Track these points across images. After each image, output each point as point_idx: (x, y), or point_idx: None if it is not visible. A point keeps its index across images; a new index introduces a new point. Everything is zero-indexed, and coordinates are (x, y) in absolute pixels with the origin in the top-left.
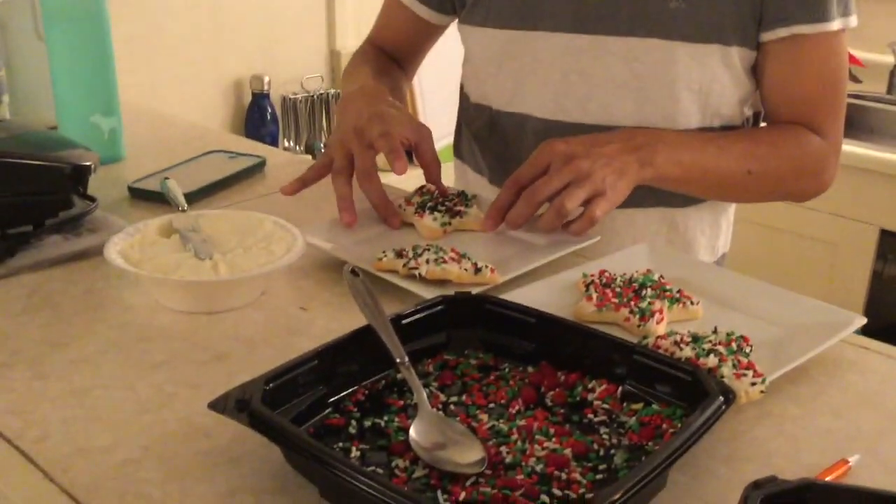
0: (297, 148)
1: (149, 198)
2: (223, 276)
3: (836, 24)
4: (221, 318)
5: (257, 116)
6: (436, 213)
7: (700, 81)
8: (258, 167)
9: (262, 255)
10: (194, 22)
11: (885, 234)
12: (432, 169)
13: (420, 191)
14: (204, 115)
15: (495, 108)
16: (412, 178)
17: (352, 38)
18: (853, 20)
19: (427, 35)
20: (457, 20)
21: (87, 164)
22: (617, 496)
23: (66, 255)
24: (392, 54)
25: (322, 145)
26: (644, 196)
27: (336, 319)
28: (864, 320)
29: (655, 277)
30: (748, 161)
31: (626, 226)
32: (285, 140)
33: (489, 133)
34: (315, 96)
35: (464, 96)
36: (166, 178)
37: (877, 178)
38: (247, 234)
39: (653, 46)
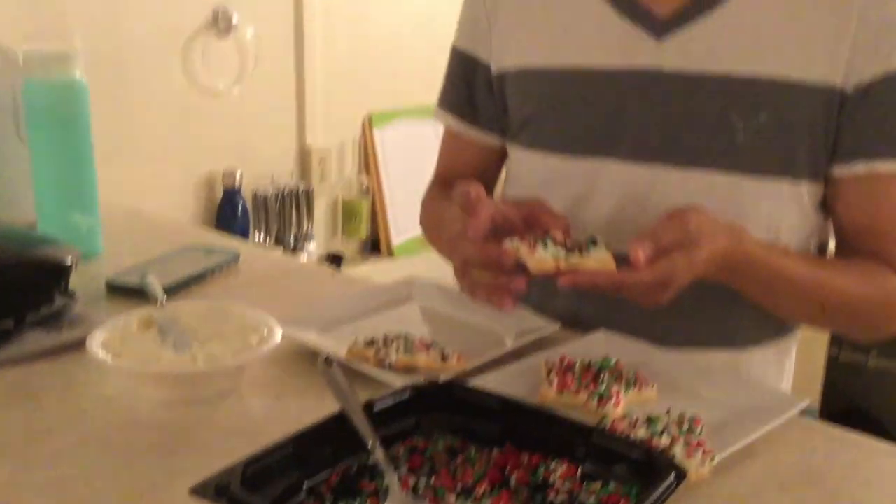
0: (268, 241)
1: (126, 292)
2: (200, 367)
3: None
4: (199, 406)
5: (229, 211)
6: (549, 245)
7: (769, 219)
8: (233, 261)
9: (238, 344)
10: (169, 119)
11: None
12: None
13: (542, 233)
14: (177, 209)
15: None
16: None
17: (321, 135)
18: None
19: (491, 161)
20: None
21: (69, 262)
22: None
23: (48, 349)
24: None
25: (291, 237)
26: (709, 335)
27: (310, 408)
28: (807, 402)
29: (612, 362)
30: (823, 300)
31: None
32: (256, 233)
33: None
34: (285, 191)
35: None
36: (145, 273)
37: None
38: (223, 325)
39: (716, 181)
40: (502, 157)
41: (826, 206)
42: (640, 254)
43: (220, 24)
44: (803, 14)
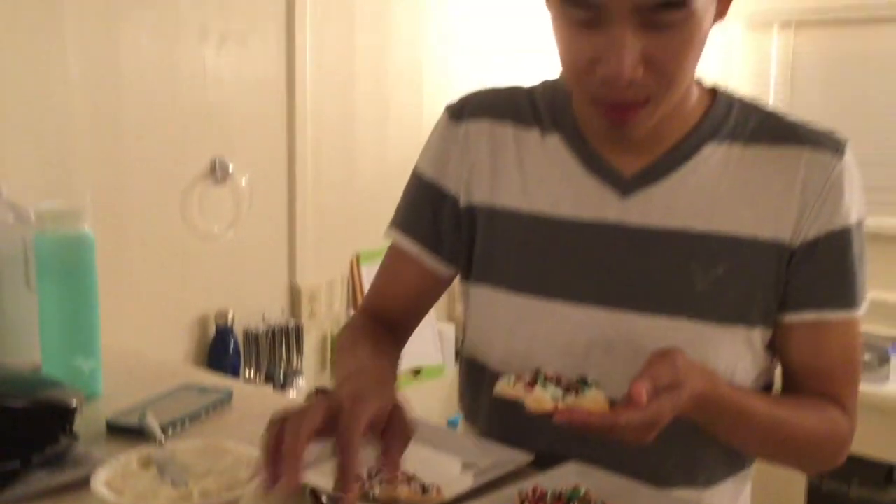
0: (258, 378)
1: (126, 432)
2: (196, 503)
3: (861, 311)
4: None
5: (221, 348)
6: (547, 385)
7: (726, 361)
8: (226, 399)
9: (232, 480)
10: (167, 263)
11: None
12: (396, 446)
13: (533, 370)
14: (172, 347)
15: (506, 372)
16: None
17: (311, 274)
18: (866, 303)
19: (435, 291)
20: (459, 276)
21: (74, 405)
22: None
23: (52, 489)
24: (391, 318)
25: (281, 373)
26: (674, 474)
27: None
28: None
29: (582, 492)
30: (782, 437)
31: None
32: (247, 370)
33: (498, 399)
34: (276, 329)
35: (466, 356)
36: (144, 413)
37: None
38: (218, 461)
39: (678, 327)
40: (445, 286)
41: (774, 348)
42: (644, 393)
43: (218, 172)
44: (754, 178)
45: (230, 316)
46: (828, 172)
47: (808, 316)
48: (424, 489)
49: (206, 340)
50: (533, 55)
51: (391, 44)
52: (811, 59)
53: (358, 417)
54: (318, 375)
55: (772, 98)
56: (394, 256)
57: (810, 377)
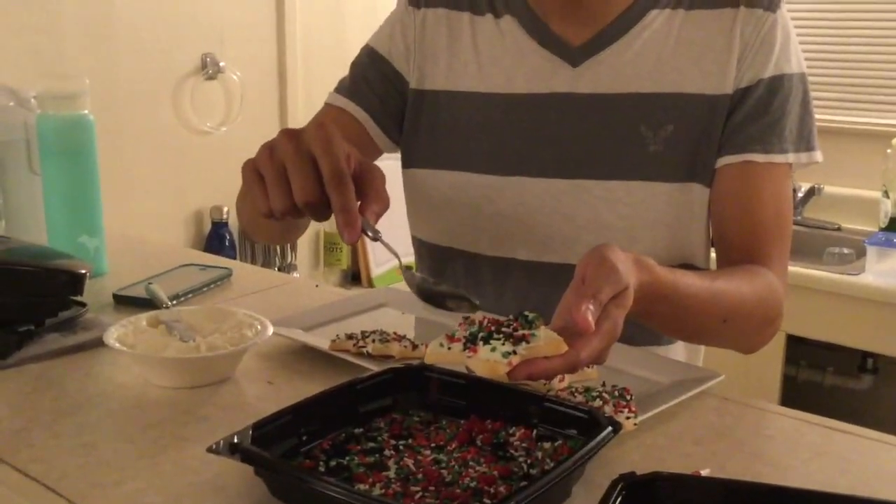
0: None
1: (132, 303)
2: (205, 353)
3: (790, 157)
4: (201, 391)
5: (216, 243)
6: (492, 341)
7: (680, 219)
8: (226, 276)
9: (236, 337)
10: (160, 156)
11: (791, 339)
12: (379, 203)
13: (464, 322)
14: (168, 238)
15: (474, 251)
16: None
17: None
18: (817, 155)
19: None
20: (401, 162)
21: (83, 271)
22: (522, 496)
23: (66, 348)
24: None
25: (276, 267)
26: (639, 336)
27: (298, 391)
28: (722, 376)
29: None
30: (723, 309)
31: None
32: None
33: (470, 278)
34: None
35: (425, 244)
36: (150, 283)
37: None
38: (222, 323)
39: (635, 188)
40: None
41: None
42: (591, 320)
43: (209, 68)
44: (696, 38)
45: (225, 211)
46: (760, 25)
47: (734, 158)
48: (414, 346)
49: (202, 234)
50: None
51: None
52: None
53: (337, 156)
54: (312, 270)
55: None
56: (334, 117)
57: (741, 232)
